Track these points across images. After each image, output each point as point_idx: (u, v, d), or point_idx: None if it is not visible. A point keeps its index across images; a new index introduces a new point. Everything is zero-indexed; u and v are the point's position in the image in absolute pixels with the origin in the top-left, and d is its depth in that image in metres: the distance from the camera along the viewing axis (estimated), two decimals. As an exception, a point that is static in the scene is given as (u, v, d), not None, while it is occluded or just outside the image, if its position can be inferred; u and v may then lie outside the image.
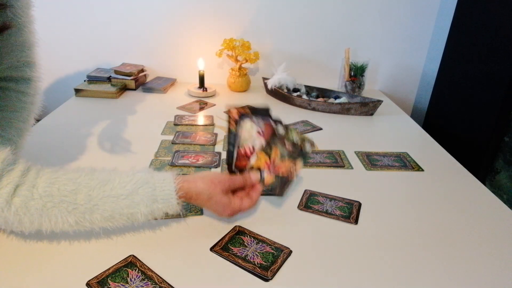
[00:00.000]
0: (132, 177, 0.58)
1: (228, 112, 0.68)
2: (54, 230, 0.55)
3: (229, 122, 0.67)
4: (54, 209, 0.53)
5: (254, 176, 0.67)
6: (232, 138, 0.67)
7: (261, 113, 0.68)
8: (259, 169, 0.67)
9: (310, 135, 1.11)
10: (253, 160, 0.67)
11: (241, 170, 0.68)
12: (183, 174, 0.63)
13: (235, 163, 0.68)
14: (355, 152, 1.01)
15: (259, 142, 0.66)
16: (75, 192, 0.54)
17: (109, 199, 0.55)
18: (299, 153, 0.66)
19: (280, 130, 0.66)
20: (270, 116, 0.68)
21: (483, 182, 1.17)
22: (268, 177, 0.67)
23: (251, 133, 0.66)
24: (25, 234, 0.63)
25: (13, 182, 0.51)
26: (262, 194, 0.70)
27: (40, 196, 0.52)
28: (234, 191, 0.66)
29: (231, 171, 0.69)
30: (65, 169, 0.57)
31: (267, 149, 0.66)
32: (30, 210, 0.52)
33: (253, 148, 0.67)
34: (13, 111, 0.68)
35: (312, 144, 0.67)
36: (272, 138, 0.66)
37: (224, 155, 0.94)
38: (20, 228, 0.54)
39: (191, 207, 0.72)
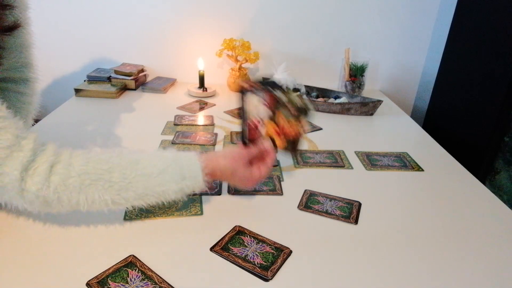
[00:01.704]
0: (160, 156, 0.61)
1: (241, 86, 0.71)
2: (90, 209, 0.57)
3: (242, 98, 0.71)
4: (91, 187, 0.55)
5: (267, 144, 0.71)
6: (242, 113, 0.72)
7: (269, 83, 0.72)
8: (269, 137, 0.72)
9: (310, 135, 1.11)
10: (262, 130, 0.72)
11: (254, 141, 0.72)
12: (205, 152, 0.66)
13: (248, 136, 0.72)
14: (355, 152, 1.01)
15: (265, 112, 0.71)
16: (109, 170, 0.56)
17: (142, 177, 0.58)
18: (301, 111, 0.71)
19: (280, 95, 0.71)
20: (274, 85, 0.72)
21: (483, 182, 1.17)
22: (280, 142, 0.72)
23: (257, 106, 0.71)
24: (26, 232, 0.63)
25: (48, 161, 0.53)
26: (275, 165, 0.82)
27: (78, 174, 0.54)
28: (251, 161, 0.70)
29: (245, 144, 0.73)
30: (94, 150, 0.59)
31: (273, 117, 0.71)
32: (69, 187, 0.53)
33: (261, 119, 0.72)
34: (12, 111, 0.68)
35: (310, 103, 0.71)
36: (275, 105, 0.71)
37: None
38: (58, 208, 0.55)
39: (191, 207, 0.73)
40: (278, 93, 0.71)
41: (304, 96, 0.73)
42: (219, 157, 0.66)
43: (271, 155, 0.71)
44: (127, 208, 0.61)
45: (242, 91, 0.71)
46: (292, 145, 0.72)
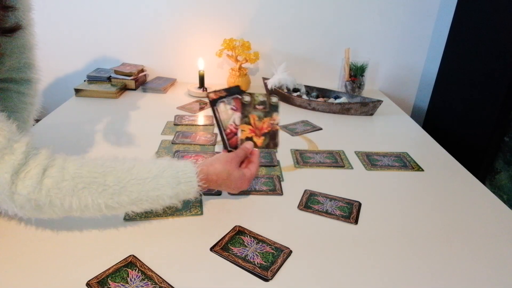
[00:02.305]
0: (154, 162, 0.61)
1: (208, 97, 0.76)
2: (83, 215, 0.56)
3: (212, 108, 0.75)
4: (85, 190, 0.54)
5: (248, 145, 0.75)
6: (218, 123, 0.75)
7: (234, 91, 0.77)
8: (247, 137, 0.76)
9: (310, 135, 1.11)
10: (240, 134, 0.76)
11: (235, 147, 0.76)
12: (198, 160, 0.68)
13: (228, 143, 0.75)
14: (355, 152, 1.01)
15: (237, 116, 0.76)
16: (104, 174, 0.56)
17: (136, 181, 0.57)
18: (270, 107, 0.77)
19: (246, 98, 0.76)
20: (239, 92, 0.77)
21: (483, 182, 1.17)
22: (258, 140, 0.76)
23: (228, 113, 0.75)
24: (27, 233, 0.63)
25: (41, 164, 0.52)
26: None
27: (72, 177, 0.54)
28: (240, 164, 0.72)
29: (228, 151, 0.75)
30: (88, 156, 0.59)
31: (244, 119, 0.75)
32: (62, 190, 0.53)
33: (235, 124, 0.76)
34: (14, 111, 0.69)
35: (277, 96, 0.77)
36: (243, 108, 0.76)
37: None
38: (50, 212, 0.54)
39: (191, 207, 0.73)
40: (244, 97, 0.75)
41: (273, 97, 0.78)
42: (213, 161, 0.67)
43: (255, 153, 0.75)
44: (125, 213, 0.60)
45: (212, 102, 0.74)
46: (271, 140, 0.77)
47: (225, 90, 0.76)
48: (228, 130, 0.75)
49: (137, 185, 0.57)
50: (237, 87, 0.78)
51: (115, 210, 0.57)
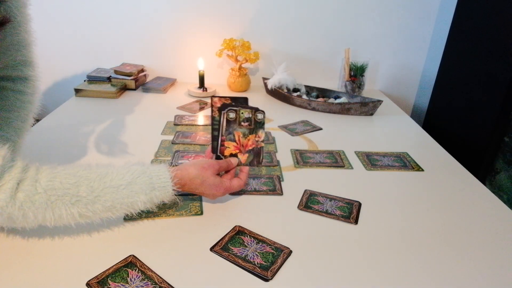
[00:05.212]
0: (128, 168, 0.61)
1: (211, 101, 0.76)
2: (57, 224, 0.56)
3: (212, 110, 0.75)
4: (58, 202, 0.54)
5: (233, 160, 0.75)
6: (216, 125, 0.75)
7: (240, 101, 0.76)
8: (232, 154, 0.76)
9: (310, 135, 1.11)
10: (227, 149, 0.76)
11: (225, 155, 0.76)
12: (175, 165, 0.67)
13: (220, 148, 0.75)
14: (355, 152, 1.01)
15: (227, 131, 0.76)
16: (76, 185, 0.56)
17: (110, 189, 0.57)
18: (255, 124, 0.76)
19: (231, 115, 0.75)
20: (246, 103, 0.77)
21: (483, 182, 1.17)
22: (242, 157, 0.76)
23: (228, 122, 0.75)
24: (27, 232, 0.63)
25: (15, 178, 0.52)
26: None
27: (44, 190, 0.53)
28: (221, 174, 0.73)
29: (217, 155, 0.75)
30: (62, 165, 0.58)
31: (229, 136, 0.75)
32: (35, 204, 0.53)
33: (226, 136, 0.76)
34: (12, 110, 0.68)
35: (263, 112, 0.76)
36: (228, 124, 0.75)
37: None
38: (23, 224, 0.55)
39: (191, 207, 0.73)
40: (229, 113, 0.75)
41: (257, 108, 0.77)
42: (188, 167, 0.66)
43: (245, 171, 0.74)
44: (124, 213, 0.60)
45: (222, 107, 0.74)
46: (255, 158, 0.76)
47: (231, 98, 0.76)
48: (224, 137, 0.75)
49: (111, 194, 0.57)
50: (245, 98, 0.77)
51: (90, 218, 0.58)
